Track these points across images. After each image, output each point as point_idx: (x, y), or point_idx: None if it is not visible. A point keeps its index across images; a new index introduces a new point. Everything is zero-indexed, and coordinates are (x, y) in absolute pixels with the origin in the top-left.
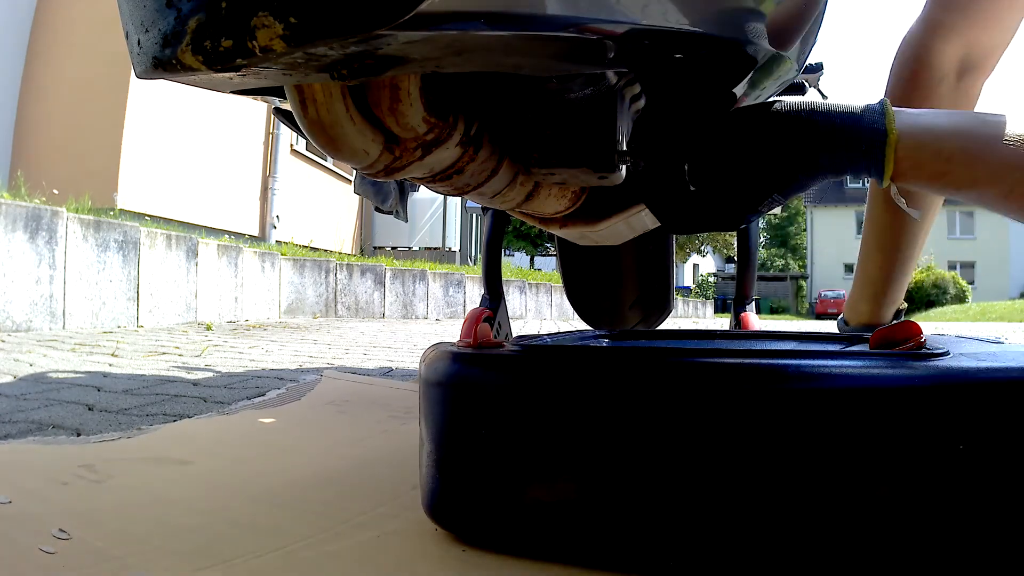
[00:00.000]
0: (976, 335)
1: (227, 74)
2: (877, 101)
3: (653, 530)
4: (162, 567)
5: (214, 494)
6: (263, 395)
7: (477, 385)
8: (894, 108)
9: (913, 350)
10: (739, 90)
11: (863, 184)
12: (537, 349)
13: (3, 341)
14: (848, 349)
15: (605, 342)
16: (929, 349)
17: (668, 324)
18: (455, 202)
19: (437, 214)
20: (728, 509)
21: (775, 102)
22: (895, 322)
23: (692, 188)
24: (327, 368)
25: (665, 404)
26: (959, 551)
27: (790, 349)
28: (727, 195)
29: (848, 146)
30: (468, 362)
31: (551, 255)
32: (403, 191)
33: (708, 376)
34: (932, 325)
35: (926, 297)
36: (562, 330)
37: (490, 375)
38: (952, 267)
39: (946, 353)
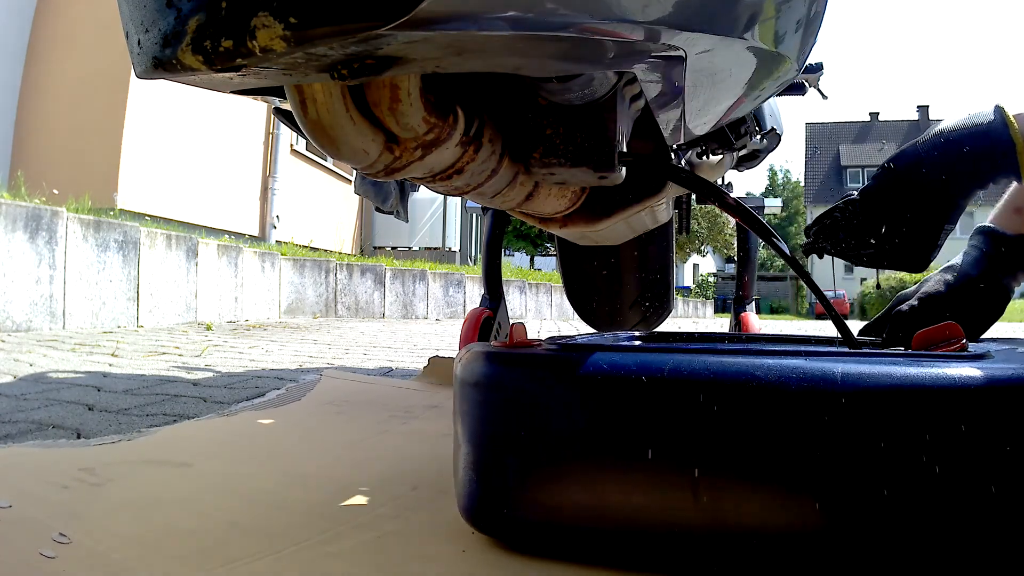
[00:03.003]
0: (1002, 336)
1: (227, 74)
2: (1003, 129)
3: (705, 537)
4: (162, 570)
5: (214, 496)
6: (263, 395)
7: (521, 386)
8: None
9: (956, 352)
10: (738, 90)
11: (863, 184)
12: (580, 348)
13: (3, 341)
14: (890, 351)
15: (637, 343)
16: (971, 351)
17: (668, 325)
18: (455, 202)
19: (437, 214)
20: (777, 512)
21: (919, 155)
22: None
23: (872, 242)
24: (327, 368)
25: (720, 407)
26: (1004, 554)
27: (834, 351)
28: (906, 246)
29: (989, 178)
30: (511, 362)
31: (551, 255)
32: (403, 191)
33: (760, 379)
34: None
35: None
36: (586, 332)
37: (536, 375)
38: None
39: (988, 355)
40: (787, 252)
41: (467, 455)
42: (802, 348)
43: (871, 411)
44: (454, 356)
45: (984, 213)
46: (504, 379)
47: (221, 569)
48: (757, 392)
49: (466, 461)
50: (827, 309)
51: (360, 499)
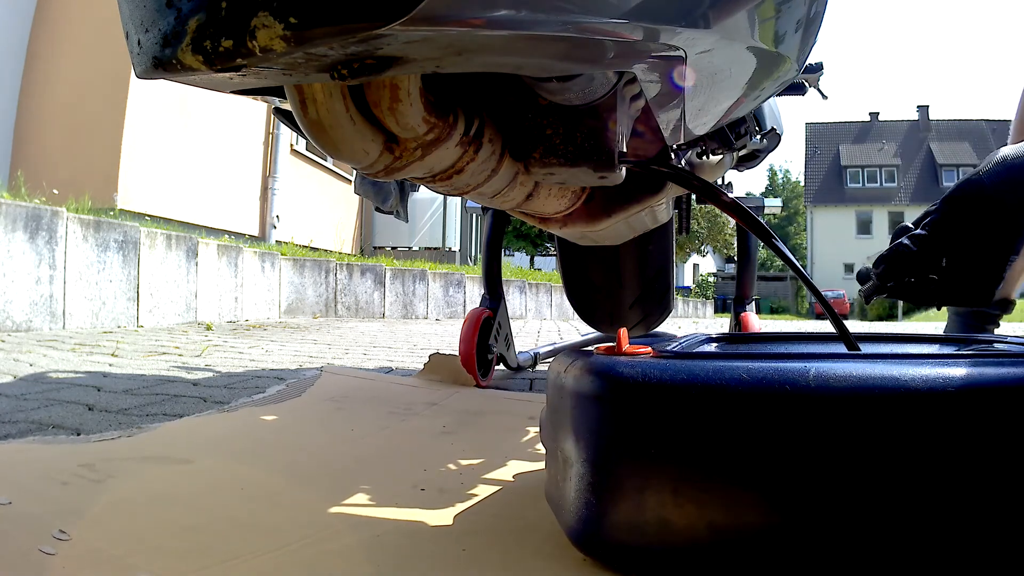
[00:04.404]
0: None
1: (227, 74)
2: None
3: (870, 559)
4: (162, 566)
5: (214, 493)
6: (263, 392)
7: (651, 399)
8: None
9: None
10: (738, 90)
11: (863, 184)
12: (704, 356)
13: (3, 341)
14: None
15: (714, 347)
16: None
17: (668, 325)
18: (455, 202)
19: (437, 214)
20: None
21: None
22: None
23: (934, 277)
24: (327, 365)
25: (880, 419)
26: None
27: (956, 353)
28: (970, 280)
29: None
30: (635, 373)
31: (551, 255)
32: (403, 191)
33: (926, 386)
34: (933, 325)
35: None
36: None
37: (666, 388)
38: None
39: None
40: (786, 252)
41: (582, 475)
42: (920, 350)
43: None
44: (454, 353)
45: None
46: (631, 391)
47: (221, 566)
48: (935, 401)
49: (581, 482)
50: (826, 309)
51: (360, 497)
